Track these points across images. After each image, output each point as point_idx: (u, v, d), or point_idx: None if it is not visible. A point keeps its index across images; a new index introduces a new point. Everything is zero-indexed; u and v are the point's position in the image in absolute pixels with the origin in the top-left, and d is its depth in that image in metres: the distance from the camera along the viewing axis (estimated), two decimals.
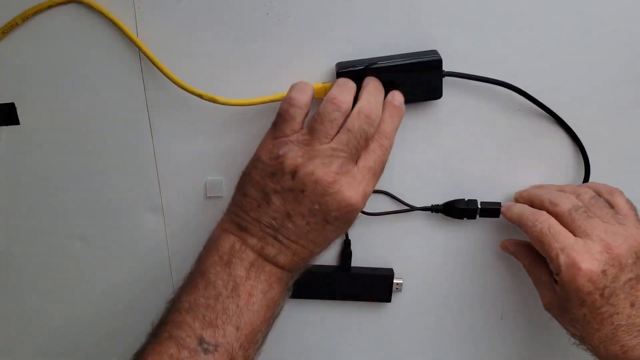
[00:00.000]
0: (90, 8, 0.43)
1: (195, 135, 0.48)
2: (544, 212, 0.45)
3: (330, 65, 0.46)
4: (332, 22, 0.45)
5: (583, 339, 0.44)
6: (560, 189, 0.48)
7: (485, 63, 0.46)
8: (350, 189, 0.41)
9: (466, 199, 0.50)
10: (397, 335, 0.56)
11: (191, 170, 0.49)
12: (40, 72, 0.46)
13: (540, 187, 0.50)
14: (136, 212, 0.51)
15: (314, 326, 0.56)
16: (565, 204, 0.45)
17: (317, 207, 0.41)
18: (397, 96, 0.45)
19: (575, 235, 0.43)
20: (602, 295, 0.41)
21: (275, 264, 0.42)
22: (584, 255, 0.42)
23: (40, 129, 0.47)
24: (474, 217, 0.50)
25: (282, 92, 0.45)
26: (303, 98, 0.42)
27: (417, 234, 0.52)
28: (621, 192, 0.47)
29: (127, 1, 0.44)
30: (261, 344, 0.43)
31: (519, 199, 0.50)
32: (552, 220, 0.44)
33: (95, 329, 0.55)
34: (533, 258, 0.48)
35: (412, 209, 0.51)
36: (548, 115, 0.48)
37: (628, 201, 0.46)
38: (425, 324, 0.56)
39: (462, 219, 0.50)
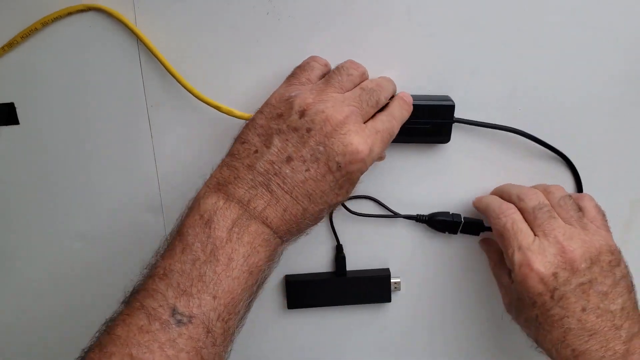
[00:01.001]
0: (98, 12, 0.44)
1: (195, 135, 0.48)
2: (512, 207, 0.45)
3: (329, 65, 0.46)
4: (332, 22, 0.45)
5: (537, 341, 0.44)
6: (534, 186, 0.48)
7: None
8: (358, 136, 0.39)
9: (451, 212, 0.51)
10: (400, 334, 0.56)
11: (191, 170, 0.49)
12: (41, 73, 0.46)
13: (511, 184, 0.49)
14: (136, 212, 0.51)
15: (317, 334, 0.56)
16: (531, 200, 0.45)
17: (321, 148, 0.38)
18: (407, 94, 0.45)
19: (535, 233, 0.43)
20: (552, 297, 0.41)
21: (263, 220, 0.38)
22: (538, 256, 0.42)
23: (40, 129, 0.48)
24: (456, 233, 0.51)
25: None
26: (325, 61, 0.44)
27: (412, 237, 0.52)
28: (591, 197, 0.47)
29: (127, 2, 0.44)
30: (243, 315, 0.40)
31: (494, 192, 0.50)
32: (517, 216, 0.44)
33: (94, 329, 0.55)
34: (498, 259, 0.48)
35: (397, 215, 0.51)
36: (553, 154, 0.49)
37: (597, 206, 0.47)
38: (426, 323, 0.56)
39: (445, 232, 0.51)
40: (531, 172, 0.50)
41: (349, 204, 0.51)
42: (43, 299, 0.53)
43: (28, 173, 0.49)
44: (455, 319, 0.56)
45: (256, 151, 0.39)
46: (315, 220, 0.41)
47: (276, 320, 0.55)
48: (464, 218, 0.51)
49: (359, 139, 0.39)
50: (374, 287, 0.53)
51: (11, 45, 0.44)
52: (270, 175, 0.38)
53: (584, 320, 0.41)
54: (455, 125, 0.47)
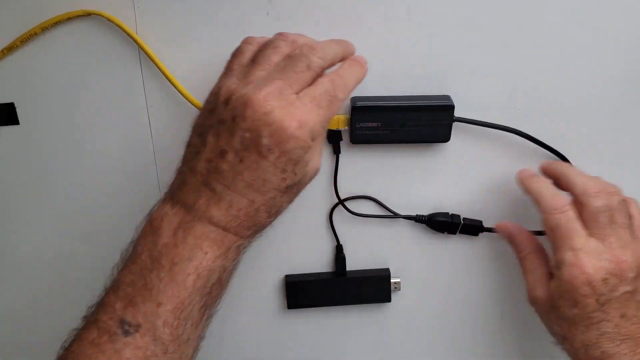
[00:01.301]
0: (98, 18, 0.44)
1: None
2: (565, 200, 0.44)
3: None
4: (332, 22, 0.45)
5: (565, 339, 0.44)
6: (595, 178, 0.46)
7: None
8: (283, 112, 0.36)
9: (450, 213, 0.51)
10: (400, 334, 0.56)
11: None
12: (41, 74, 0.46)
13: (570, 166, 0.48)
14: (136, 212, 0.50)
15: (317, 334, 0.56)
16: (598, 200, 0.43)
17: (247, 135, 0.36)
18: (361, 56, 0.43)
19: (589, 234, 0.43)
20: (597, 301, 0.42)
21: (209, 220, 0.37)
22: (591, 259, 0.42)
23: (40, 129, 0.48)
24: (455, 233, 0.51)
25: None
26: (258, 38, 0.41)
27: (412, 237, 0.52)
28: (637, 202, 0.46)
29: (127, 2, 0.44)
30: (203, 318, 0.39)
31: (546, 170, 0.48)
32: (572, 213, 0.43)
33: None
34: (532, 248, 0.47)
35: (397, 215, 0.51)
36: (551, 155, 0.49)
37: None
38: (426, 323, 0.56)
39: (444, 232, 0.51)
40: None
41: (348, 204, 0.51)
42: (43, 299, 0.53)
43: (28, 173, 0.49)
44: (455, 318, 0.56)
45: (197, 152, 0.38)
46: (273, 209, 0.39)
47: (276, 320, 0.55)
48: (463, 219, 0.51)
49: (284, 114, 0.36)
50: (374, 287, 0.53)
51: (10, 48, 0.44)
52: (210, 174, 0.37)
53: (620, 325, 0.42)
54: (455, 126, 0.47)
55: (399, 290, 0.54)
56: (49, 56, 0.45)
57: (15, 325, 0.54)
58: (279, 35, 0.40)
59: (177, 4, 0.44)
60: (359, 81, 0.42)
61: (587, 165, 0.50)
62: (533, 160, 0.49)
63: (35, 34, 0.44)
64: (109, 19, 0.44)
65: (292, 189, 0.39)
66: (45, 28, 0.44)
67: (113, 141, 0.48)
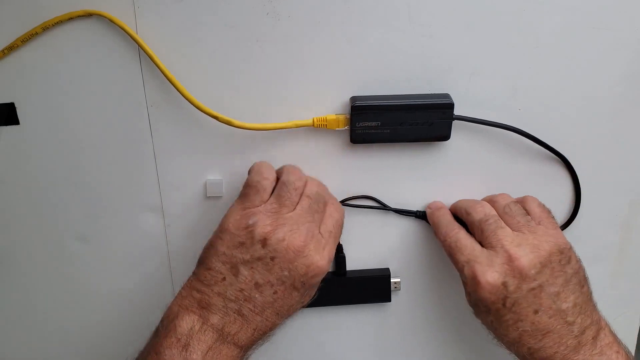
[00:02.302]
0: (99, 18, 0.44)
1: (195, 136, 0.48)
2: (456, 227, 0.47)
3: (329, 65, 0.46)
4: (332, 22, 0.45)
5: (499, 340, 0.45)
6: (484, 199, 0.49)
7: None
8: (317, 253, 0.42)
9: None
10: (400, 334, 0.56)
11: (191, 170, 0.49)
12: (42, 74, 0.46)
13: (465, 199, 0.50)
14: (136, 212, 0.51)
15: (317, 334, 0.56)
16: (478, 213, 0.46)
17: (286, 273, 0.42)
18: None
19: (483, 246, 0.44)
20: (504, 305, 0.42)
21: (235, 343, 0.42)
22: (485, 268, 0.43)
23: (40, 129, 0.48)
24: None
25: (298, 119, 0.47)
26: (271, 173, 0.46)
27: (413, 237, 0.52)
28: (533, 198, 0.48)
29: (127, 2, 0.44)
30: None
31: (450, 207, 0.51)
32: (461, 234, 0.46)
33: (94, 329, 0.55)
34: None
35: (396, 210, 0.51)
36: (551, 154, 0.49)
37: (541, 205, 0.47)
38: (426, 323, 0.56)
39: None
40: (530, 172, 0.50)
41: (348, 203, 0.51)
42: (43, 299, 0.53)
43: (28, 173, 0.49)
44: (455, 318, 0.56)
45: (224, 279, 0.42)
46: (281, 325, 0.45)
47: None
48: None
49: (319, 256, 0.42)
50: (374, 287, 0.53)
51: (11, 48, 0.44)
52: (241, 302, 0.42)
53: (537, 322, 0.42)
54: (454, 124, 0.47)
55: (399, 290, 0.54)
56: (49, 56, 0.45)
57: (15, 325, 0.54)
58: (293, 173, 0.45)
59: (177, 4, 0.44)
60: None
61: (587, 165, 0.50)
62: (533, 158, 0.49)
63: (36, 33, 0.44)
64: (109, 19, 0.44)
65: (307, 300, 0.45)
66: (46, 28, 0.44)
67: (113, 141, 0.48)
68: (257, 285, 0.42)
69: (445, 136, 0.47)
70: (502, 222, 0.45)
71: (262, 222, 0.42)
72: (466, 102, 0.47)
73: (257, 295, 0.42)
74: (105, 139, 0.48)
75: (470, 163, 0.50)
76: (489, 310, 0.43)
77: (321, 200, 0.45)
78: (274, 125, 0.47)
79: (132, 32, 0.44)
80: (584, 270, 0.45)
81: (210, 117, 0.46)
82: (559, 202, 0.51)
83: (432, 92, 0.47)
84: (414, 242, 0.53)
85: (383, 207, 0.51)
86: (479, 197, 0.51)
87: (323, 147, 0.49)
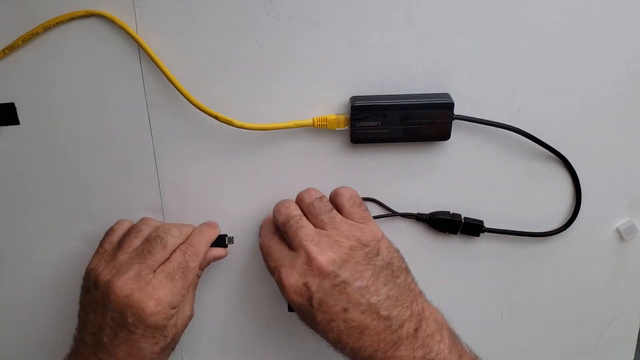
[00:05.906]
0: (100, 18, 0.44)
1: (195, 136, 0.48)
2: (270, 234, 0.46)
3: (329, 65, 0.46)
4: (332, 22, 0.45)
5: (327, 342, 0.43)
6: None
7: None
8: (141, 293, 0.42)
9: (451, 212, 0.51)
10: None
11: (191, 171, 0.49)
12: (42, 74, 0.46)
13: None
14: (136, 212, 0.51)
15: (317, 334, 0.55)
16: (281, 216, 0.45)
17: (116, 314, 0.42)
18: (212, 221, 0.50)
19: (290, 248, 0.44)
20: (311, 305, 0.41)
21: None
22: (288, 270, 0.42)
23: (40, 129, 0.48)
24: (456, 233, 0.51)
25: (298, 119, 0.47)
26: (128, 223, 0.48)
27: (413, 237, 0.52)
28: (345, 190, 0.46)
29: (127, 2, 0.44)
30: None
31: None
32: (274, 241, 0.45)
33: None
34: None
35: (396, 214, 0.51)
36: (551, 154, 0.49)
37: (352, 198, 0.46)
38: None
39: (445, 232, 0.51)
40: (530, 172, 0.50)
41: None
42: (43, 299, 0.53)
43: (28, 173, 0.49)
44: (455, 318, 0.56)
45: (84, 324, 0.45)
46: None
47: (277, 321, 0.55)
48: (464, 218, 0.51)
49: (141, 296, 0.42)
50: None
51: (12, 48, 0.44)
52: (95, 345, 0.43)
53: (349, 319, 0.41)
54: (454, 124, 0.47)
55: None
56: (49, 56, 0.45)
57: (15, 325, 0.54)
58: (142, 220, 0.48)
59: (177, 4, 0.44)
60: (210, 238, 0.48)
61: (587, 165, 0.50)
62: (533, 158, 0.49)
63: (37, 33, 0.44)
64: (109, 19, 0.44)
65: (168, 347, 0.45)
66: (47, 28, 0.44)
67: (113, 141, 0.48)
68: (100, 329, 0.43)
69: (445, 136, 0.48)
70: (304, 221, 0.44)
71: (97, 264, 0.45)
72: (466, 102, 0.47)
73: (104, 339, 0.43)
74: (105, 139, 0.48)
75: (470, 163, 0.50)
76: (302, 312, 0.42)
77: (161, 243, 0.45)
78: (274, 125, 0.47)
79: (133, 32, 0.44)
80: (400, 261, 0.44)
81: (210, 117, 0.46)
82: (559, 202, 0.51)
83: (432, 92, 0.47)
84: (414, 243, 0.52)
85: (386, 215, 0.51)
86: (478, 196, 0.51)
87: (323, 147, 0.49)
